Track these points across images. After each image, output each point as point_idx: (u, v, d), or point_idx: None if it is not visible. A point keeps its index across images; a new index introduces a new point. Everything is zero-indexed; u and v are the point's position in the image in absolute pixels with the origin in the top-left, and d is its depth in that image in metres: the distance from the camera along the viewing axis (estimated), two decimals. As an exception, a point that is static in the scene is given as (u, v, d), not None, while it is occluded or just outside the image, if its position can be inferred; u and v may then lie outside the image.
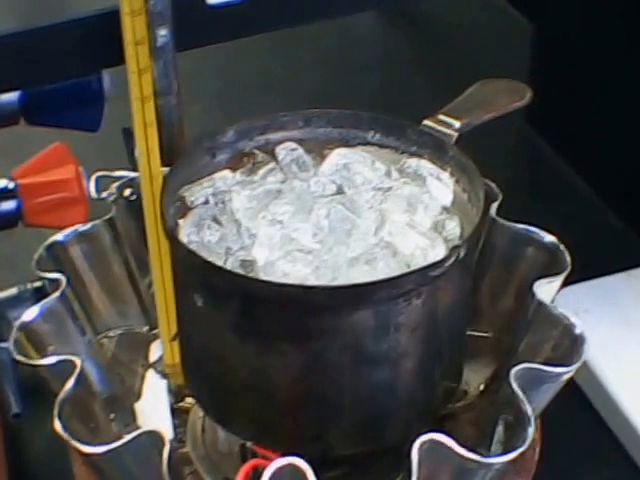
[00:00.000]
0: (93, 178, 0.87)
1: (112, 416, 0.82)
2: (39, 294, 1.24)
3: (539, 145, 1.44)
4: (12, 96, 1.14)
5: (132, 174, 0.88)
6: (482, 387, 0.85)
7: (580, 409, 1.14)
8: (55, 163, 1.25)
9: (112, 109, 1.20)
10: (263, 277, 0.71)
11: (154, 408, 0.85)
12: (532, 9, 1.51)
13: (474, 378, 0.85)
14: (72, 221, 1.07)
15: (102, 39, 0.85)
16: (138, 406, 0.85)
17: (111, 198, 0.86)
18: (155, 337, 0.88)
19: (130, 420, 0.84)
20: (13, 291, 1.26)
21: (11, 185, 1.24)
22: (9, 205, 1.24)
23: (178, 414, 0.85)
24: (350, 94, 1.52)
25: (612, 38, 1.30)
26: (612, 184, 1.33)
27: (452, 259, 0.71)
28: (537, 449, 0.81)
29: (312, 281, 0.71)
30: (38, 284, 1.27)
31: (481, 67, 1.52)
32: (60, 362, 0.73)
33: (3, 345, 1.17)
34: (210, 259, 0.71)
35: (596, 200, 1.36)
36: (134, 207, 0.86)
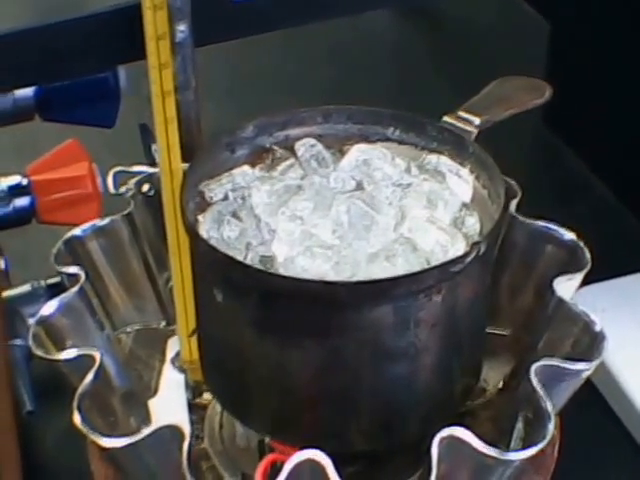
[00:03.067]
0: (111, 173, 0.87)
1: (130, 411, 0.82)
2: (52, 291, 1.24)
3: (555, 145, 1.44)
4: (27, 92, 1.14)
5: (150, 169, 0.88)
6: (501, 385, 0.85)
7: (597, 409, 1.14)
8: (68, 160, 1.25)
9: (123, 106, 1.20)
10: (283, 273, 0.71)
11: (168, 404, 0.85)
12: (549, 8, 1.50)
13: (493, 376, 0.85)
14: (85, 218, 1.06)
15: (120, 34, 0.85)
16: (152, 402, 0.85)
17: (129, 193, 0.86)
18: (172, 333, 0.88)
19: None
20: (26, 288, 1.27)
21: (25, 182, 1.24)
22: (23, 202, 1.24)
23: (195, 410, 0.85)
24: (363, 91, 1.52)
25: (629, 37, 1.30)
26: (629, 184, 1.33)
27: (473, 255, 0.70)
28: (556, 447, 0.81)
29: (331, 277, 0.71)
30: (51, 281, 1.27)
31: (497, 66, 1.52)
32: (80, 356, 0.73)
33: (17, 342, 1.17)
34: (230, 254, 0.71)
35: (613, 200, 1.36)
36: (152, 203, 0.86)
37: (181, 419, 0.83)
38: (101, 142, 1.32)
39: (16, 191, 1.23)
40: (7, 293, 1.19)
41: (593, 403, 1.14)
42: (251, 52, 1.61)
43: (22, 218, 1.25)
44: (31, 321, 1.19)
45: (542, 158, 1.48)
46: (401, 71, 1.68)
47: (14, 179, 1.24)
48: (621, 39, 1.31)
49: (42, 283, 1.25)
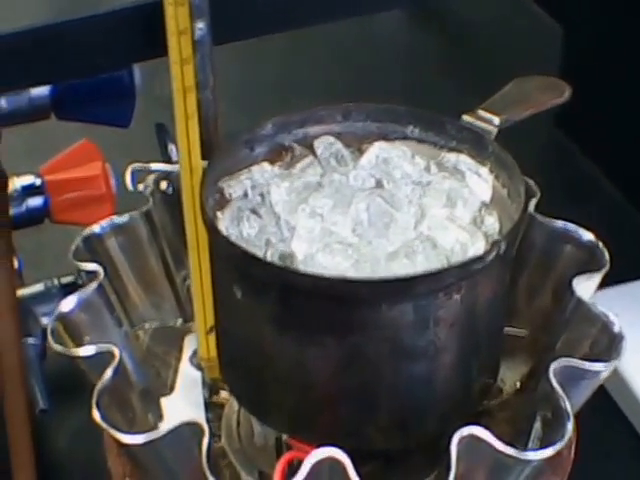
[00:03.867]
0: (129, 170, 0.87)
1: (148, 408, 0.82)
2: (66, 290, 1.24)
3: (567, 147, 1.44)
4: (43, 90, 1.14)
5: (168, 167, 0.88)
6: (518, 385, 0.85)
7: (609, 414, 1.14)
8: (82, 160, 1.26)
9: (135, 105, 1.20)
10: (303, 270, 0.71)
11: (185, 402, 0.85)
12: (561, 10, 1.50)
13: (510, 376, 0.85)
14: (98, 218, 1.07)
15: (140, 31, 0.85)
16: (168, 400, 0.85)
17: (147, 191, 0.86)
18: (189, 331, 0.88)
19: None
20: (39, 287, 1.27)
21: (38, 182, 1.24)
22: (36, 201, 1.25)
23: (212, 408, 0.85)
24: (373, 92, 1.52)
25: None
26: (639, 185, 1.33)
27: (493, 254, 0.70)
28: (572, 448, 0.80)
29: (351, 274, 0.70)
30: (65, 280, 1.28)
31: (508, 68, 1.52)
32: (99, 352, 0.73)
33: (30, 341, 1.17)
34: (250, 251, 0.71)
35: (624, 203, 1.36)
36: (170, 200, 0.86)
37: (198, 417, 0.83)
38: (114, 142, 1.32)
39: (29, 191, 1.24)
40: (20, 292, 1.19)
41: (605, 406, 1.14)
42: (260, 54, 1.62)
43: (35, 218, 1.25)
44: (44, 320, 1.21)
45: (553, 159, 1.48)
46: (411, 72, 1.68)
47: (27, 179, 1.24)
48: (634, 42, 1.31)
49: (55, 282, 1.26)
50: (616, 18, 1.36)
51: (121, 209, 1.09)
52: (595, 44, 1.40)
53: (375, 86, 1.57)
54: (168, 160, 1.06)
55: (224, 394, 0.85)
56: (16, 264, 1.20)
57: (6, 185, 1.06)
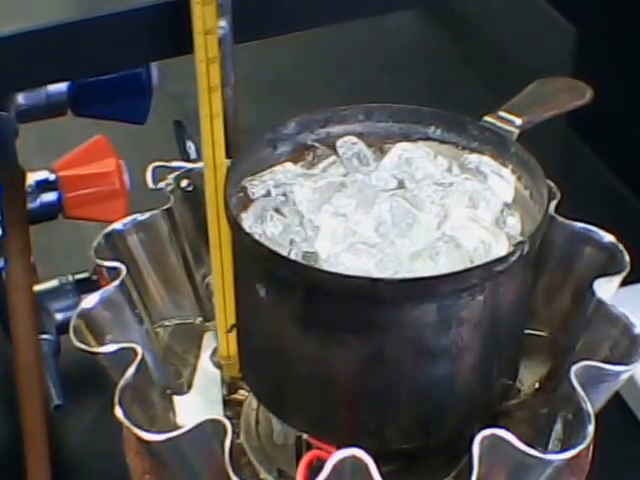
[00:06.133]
0: (150, 168, 0.87)
1: (169, 405, 0.82)
2: (80, 286, 1.24)
3: (582, 149, 1.44)
4: (61, 87, 1.14)
5: (189, 165, 0.88)
6: (537, 386, 0.85)
7: (620, 416, 1.14)
8: (96, 156, 1.25)
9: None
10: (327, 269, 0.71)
11: (203, 400, 0.85)
12: (574, 12, 1.51)
13: (528, 377, 0.85)
14: (112, 214, 1.07)
15: (164, 29, 0.85)
16: (186, 397, 0.85)
17: (168, 188, 0.86)
18: (208, 328, 0.88)
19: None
20: (54, 283, 1.27)
21: (52, 177, 1.24)
22: (49, 197, 1.24)
23: (230, 406, 0.85)
24: (388, 92, 1.52)
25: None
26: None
27: (517, 255, 0.71)
28: (590, 450, 0.80)
29: (375, 274, 0.71)
30: (79, 276, 1.28)
31: (522, 69, 1.52)
32: (121, 350, 0.73)
33: (45, 337, 1.17)
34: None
35: (638, 204, 1.36)
36: (191, 198, 0.86)
37: (216, 415, 0.83)
38: (128, 138, 1.32)
39: (43, 186, 1.23)
40: (35, 288, 1.19)
41: (616, 410, 1.14)
42: (271, 52, 1.62)
43: (49, 213, 1.25)
44: (58, 316, 1.21)
45: (568, 162, 1.48)
46: (425, 73, 1.68)
47: (42, 174, 1.24)
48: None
49: (70, 278, 1.26)
50: (629, 19, 1.36)
51: (134, 206, 1.09)
52: (608, 45, 1.40)
53: (388, 85, 1.58)
54: (186, 157, 1.07)
55: (243, 392, 0.85)
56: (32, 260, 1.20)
57: (24, 181, 1.06)
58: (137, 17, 0.85)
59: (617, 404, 1.12)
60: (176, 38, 0.83)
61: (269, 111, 1.50)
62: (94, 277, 1.21)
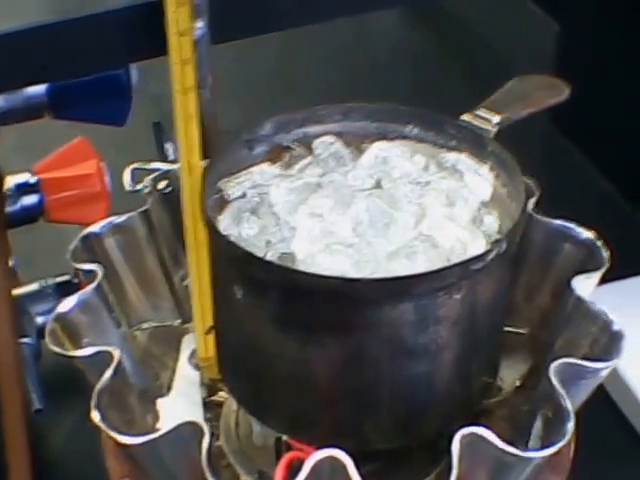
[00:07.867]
0: (128, 170, 0.86)
1: (147, 408, 0.82)
2: (61, 289, 1.24)
3: (564, 145, 1.44)
4: (39, 89, 1.13)
5: (167, 166, 0.87)
6: (517, 383, 0.85)
7: (606, 411, 1.14)
8: (77, 158, 1.25)
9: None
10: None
11: (182, 402, 0.85)
12: (557, 8, 1.50)
13: (509, 374, 0.85)
14: (93, 217, 1.06)
15: (139, 31, 0.85)
16: (165, 400, 0.85)
17: (146, 190, 0.86)
18: (187, 331, 0.88)
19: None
20: (34, 286, 1.26)
21: (32, 180, 1.24)
22: (30, 200, 1.24)
23: (210, 408, 0.85)
24: (370, 92, 1.52)
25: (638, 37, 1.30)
26: (636, 183, 1.33)
27: (494, 253, 0.70)
28: (571, 447, 0.80)
29: (352, 274, 0.70)
30: (59, 279, 1.27)
31: (504, 66, 1.52)
32: (98, 353, 0.73)
33: (26, 340, 1.17)
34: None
35: (621, 200, 1.36)
36: (169, 200, 0.86)
37: (196, 417, 0.83)
38: (108, 140, 1.32)
39: (24, 189, 1.23)
40: (15, 292, 1.18)
41: (602, 405, 1.14)
42: (254, 52, 1.61)
43: (30, 216, 1.24)
44: (39, 320, 1.20)
45: (550, 158, 1.48)
46: (407, 71, 1.68)
47: (22, 177, 1.23)
48: (629, 39, 1.31)
49: (50, 282, 1.25)
50: (612, 16, 1.36)
51: (115, 208, 1.09)
52: (591, 41, 1.40)
53: (372, 85, 1.57)
54: (164, 159, 1.06)
55: (223, 393, 0.85)
56: (11, 263, 1.19)
57: (2, 184, 1.06)
58: (114, 19, 0.85)
59: (603, 400, 1.13)
60: (153, 39, 0.82)
61: (253, 112, 1.50)
62: (75, 280, 1.21)
